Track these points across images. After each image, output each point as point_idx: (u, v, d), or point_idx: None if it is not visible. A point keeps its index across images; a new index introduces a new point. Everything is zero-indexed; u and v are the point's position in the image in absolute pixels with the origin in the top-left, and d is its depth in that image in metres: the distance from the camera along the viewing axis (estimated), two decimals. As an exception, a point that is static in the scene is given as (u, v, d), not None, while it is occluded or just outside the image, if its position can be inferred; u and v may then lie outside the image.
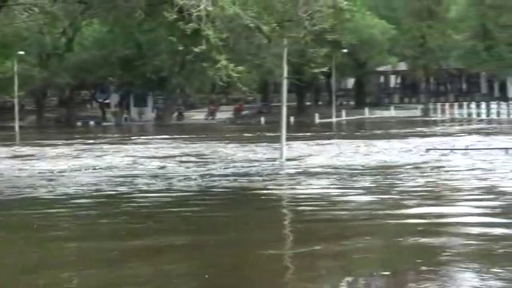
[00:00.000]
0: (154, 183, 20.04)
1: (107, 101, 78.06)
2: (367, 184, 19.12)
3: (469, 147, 28.79)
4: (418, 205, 15.46)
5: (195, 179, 20.90)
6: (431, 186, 18.50)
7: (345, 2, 19.85)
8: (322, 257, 10.89)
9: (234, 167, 24.54)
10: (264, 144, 34.26)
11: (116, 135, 50.26)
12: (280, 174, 22.60)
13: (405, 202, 15.93)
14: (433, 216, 13.87)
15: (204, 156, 29.03)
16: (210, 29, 16.74)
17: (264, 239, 12.27)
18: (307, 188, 18.50)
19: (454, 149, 28.49)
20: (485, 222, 13.20)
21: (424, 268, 9.87)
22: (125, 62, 67.76)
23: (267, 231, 13.22)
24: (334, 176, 21.11)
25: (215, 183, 19.77)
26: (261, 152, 30.63)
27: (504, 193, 16.88)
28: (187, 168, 24.60)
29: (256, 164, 25.46)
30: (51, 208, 16.01)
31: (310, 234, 12.74)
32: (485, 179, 19.53)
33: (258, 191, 18.38)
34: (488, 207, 14.80)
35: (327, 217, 14.37)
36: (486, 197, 16.51)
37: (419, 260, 10.28)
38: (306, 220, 14.27)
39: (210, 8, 16.79)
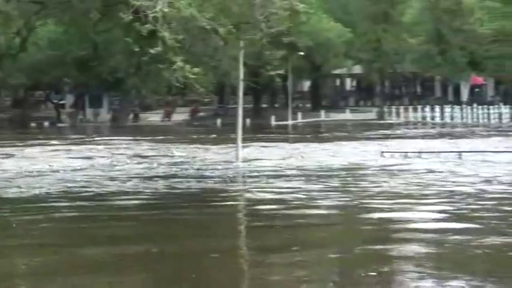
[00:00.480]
0: (108, 185, 19.85)
1: (61, 102, 77.30)
2: (321, 187, 19.17)
3: (423, 151, 29.01)
4: (372, 210, 15.55)
5: (151, 181, 20.77)
6: (386, 190, 18.60)
7: (301, 5, 19.92)
8: (278, 266, 10.83)
9: (189, 169, 24.46)
10: (220, 146, 34.20)
11: (71, 136, 49.78)
12: (236, 176, 22.58)
13: (360, 206, 16.01)
14: (387, 221, 13.96)
15: (156, 158, 28.88)
16: (166, 30, 16.69)
17: (213, 247, 12.00)
18: (262, 190, 18.50)
19: (408, 152, 28.69)
20: (441, 227, 13.31)
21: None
22: (80, 62, 67.17)
23: (217, 238, 13.07)
24: (290, 178, 21.15)
25: (169, 185, 19.67)
26: (216, 153, 30.58)
27: (458, 196, 17.06)
28: (142, 169, 24.45)
29: (212, 166, 25.40)
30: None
31: (262, 240, 12.66)
32: (439, 183, 19.70)
33: (213, 193, 18.34)
34: (443, 212, 14.93)
35: (283, 221, 14.37)
36: (441, 201, 16.65)
37: (371, 267, 10.33)
38: (258, 226, 14.26)
39: (166, 10, 16.73)
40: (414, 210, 15.32)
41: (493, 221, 13.83)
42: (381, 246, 11.65)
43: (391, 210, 15.38)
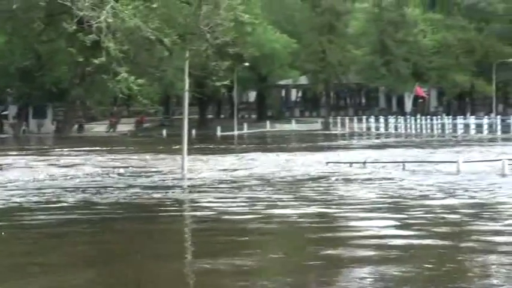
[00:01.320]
0: (44, 197, 19.54)
1: (4, 113, 76.35)
2: (264, 196, 19.23)
3: (368, 161, 29.26)
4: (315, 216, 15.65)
5: (93, 193, 20.54)
6: (330, 199, 18.73)
7: (246, 16, 20.01)
8: (219, 273, 10.83)
9: (133, 179, 24.31)
10: (165, 156, 34.09)
11: (13, 147, 49.11)
12: (181, 187, 22.50)
13: (302, 213, 16.09)
14: (334, 230, 14.06)
15: (102, 168, 28.62)
16: (110, 40, 16.59)
17: (157, 256, 11.92)
18: (206, 201, 18.49)
19: (353, 163, 28.91)
20: (386, 234, 13.44)
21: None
22: (23, 73, 66.39)
23: (161, 247, 12.98)
24: (234, 189, 21.16)
25: (112, 196, 19.50)
26: (161, 164, 30.44)
27: (402, 206, 17.25)
28: (85, 180, 24.20)
29: (157, 177, 25.29)
30: None
31: (205, 248, 12.64)
32: (382, 192, 19.89)
33: (157, 205, 18.25)
34: (388, 219, 15.08)
35: (226, 231, 14.37)
36: (384, 208, 16.82)
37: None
38: (202, 235, 14.23)
39: (110, 20, 16.64)
40: (359, 218, 15.47)
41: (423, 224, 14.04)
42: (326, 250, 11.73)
43: (335, 219, 15.53)
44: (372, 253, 11.59)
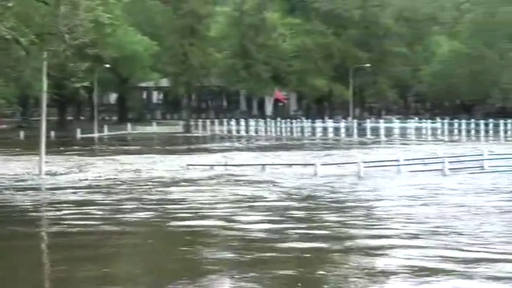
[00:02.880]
0: None
1: None
2: (121, 197, 19.16)
3: (228, 164, 29.50)
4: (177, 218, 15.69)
5: None
6: (193, 201, 18.82)
7: (107, 17, 19.79)
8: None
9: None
10: (23, 159, 33.28)
11: None
12: (38, 189, 22.06)
13: (165, 216, 16.10)
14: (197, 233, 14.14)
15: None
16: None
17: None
18: (62, 202, 18.24)
19: (213, 165, 29.09)
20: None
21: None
22: None
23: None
24: (93, 191, 20.94)
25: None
26: (19, 167, 29.71)
27: (258, 204, 17.53)
28: None
29: (13, 179, 24.69)
30: None
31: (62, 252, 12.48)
32: (239, 192, 20.16)
33: (10, 207, 17.85)
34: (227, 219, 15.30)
35: (80, 232, 14.22)
36: (239, 207, 17.05)
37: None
38: (56, 238, 14.05)
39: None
40: (205, 217, 15.63)
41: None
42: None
43: (195, 218, 15.62)
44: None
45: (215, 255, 12.00)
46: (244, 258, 11.76)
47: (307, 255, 12.00)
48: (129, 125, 72.30)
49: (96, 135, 65.43)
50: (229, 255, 12.00)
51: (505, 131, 52.82)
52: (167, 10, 77.81)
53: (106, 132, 68.32)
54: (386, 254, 11.98)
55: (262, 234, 13.85)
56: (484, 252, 12.06)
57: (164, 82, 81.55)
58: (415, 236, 13.51)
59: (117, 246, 13.25)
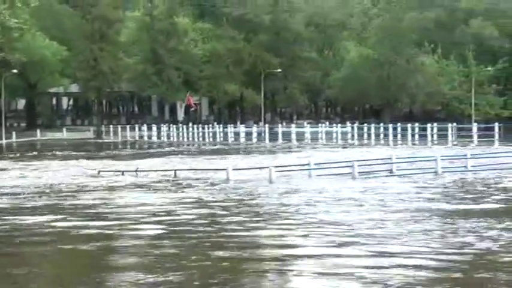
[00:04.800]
0: None
1: None
2: (33, 204, 18.89)
3: (139, 169, 29.33)
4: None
5: None
6: (101, 206, 18.68)
7: (14, 21, 19.49)
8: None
9: None
10: None
11: None
12: None
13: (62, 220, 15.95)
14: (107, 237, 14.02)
15: None
16: None
17: None
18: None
19: (125, 171, 28.89)
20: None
21: None
22: None
23: None
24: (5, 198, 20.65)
25: None
26: None
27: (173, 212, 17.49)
28: None
29: None
30: None
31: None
32: (144, 197, 20.10)
33: None
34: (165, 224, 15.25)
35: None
36: (163, 214, 16.99)
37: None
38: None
39: None
40: (128, 228, 15.54)
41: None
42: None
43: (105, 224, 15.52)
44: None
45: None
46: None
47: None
48: (38, 132, 71.15)
49: (3, 141, 64.17)
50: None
51: (413, 135, 53.87)
52: (76, 14, 76.88)
53: (14, 138, 67.11)
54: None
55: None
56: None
57: (74, 88, 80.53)
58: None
59: None
